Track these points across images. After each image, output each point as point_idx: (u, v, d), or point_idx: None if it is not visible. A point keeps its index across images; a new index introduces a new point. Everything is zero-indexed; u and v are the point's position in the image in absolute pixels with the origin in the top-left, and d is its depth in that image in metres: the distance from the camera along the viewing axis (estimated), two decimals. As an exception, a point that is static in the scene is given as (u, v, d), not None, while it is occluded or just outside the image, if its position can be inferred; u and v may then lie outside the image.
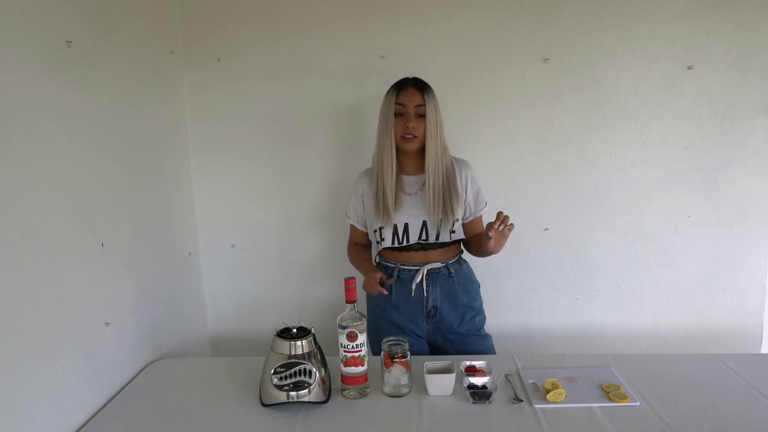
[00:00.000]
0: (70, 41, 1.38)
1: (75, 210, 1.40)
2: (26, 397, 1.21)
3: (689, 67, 2.03)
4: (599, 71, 2.05)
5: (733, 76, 2.03)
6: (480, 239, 1.67)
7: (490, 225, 1.52)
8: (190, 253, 2.15)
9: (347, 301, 1.45)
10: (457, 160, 1.76)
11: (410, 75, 1.72)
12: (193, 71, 2.09)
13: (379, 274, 1.72)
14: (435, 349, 1.78)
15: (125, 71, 1.66)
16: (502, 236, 1.56)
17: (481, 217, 1.79)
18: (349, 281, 1.45)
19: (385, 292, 1.69)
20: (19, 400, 1.19)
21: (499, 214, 1.51)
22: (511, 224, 1.53)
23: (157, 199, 1.88)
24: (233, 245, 2.24)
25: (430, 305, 1.73)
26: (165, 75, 1.96)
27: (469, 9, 2.02)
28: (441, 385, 1.45)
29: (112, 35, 1.60)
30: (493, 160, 2.12)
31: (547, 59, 2.04)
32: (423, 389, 1.47)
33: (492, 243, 1.55)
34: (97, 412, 1.44)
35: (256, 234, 2.23)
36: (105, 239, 1.52)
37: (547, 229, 2.18)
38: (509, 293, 2.22)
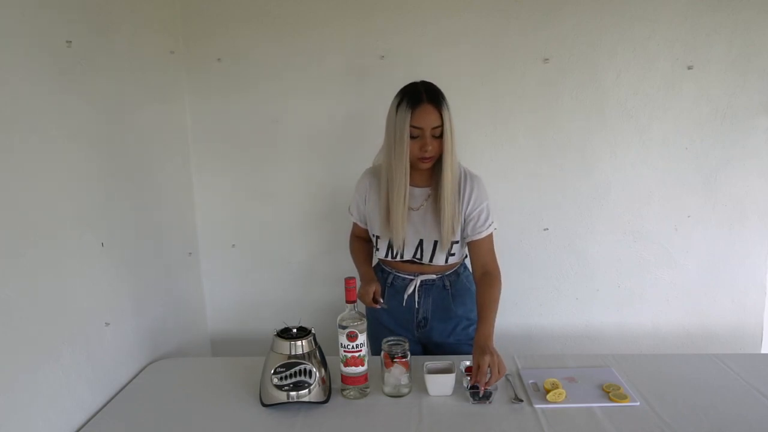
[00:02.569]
0: (70, 41, 1.38)
1: (75, 210, 1.40)
2: (26, 397, 1.21)
3: (689, 67, 2.03)
4: (599, 71, 2.05)
5: (733, 76, 2.03)
6: (481, 296, 1.56)
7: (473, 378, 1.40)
8: (190, 253, 2.15)
9: (347, 301, 1.45)
10: (468, 174, 1.61)
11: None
12: (193, 71, 2.09)
13: (374, 288, 1.64)
14: (428, 352, 1.77)
15: (125, 71, 1.66)
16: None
17: (486, 238, 1.61)
18: (349, 281, 1.45)
19: (377, 307, 1.65)
20: (19, 400, 1.19)
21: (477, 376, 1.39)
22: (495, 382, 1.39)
23: (157, 199, 1.88)
24: (233, 245, 2.24)
25: (420, 316, 1.71)
26: (165, 75, 1.96)
27: (469, 9, 2.02)
28: (441, 385, 1.45)
29: (112, 35, 1.60)
30: (493, 160, 2.12)
31: (547, 59, 2.04)
32: (423, 389, 1.47)
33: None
34: (97, 412, 1.44)
35: (256, 234, 2.23)
36: (105, 239, 1.52)
37: (547, 229, 2.18)
38: (509, 293, 2.20)
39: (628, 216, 2.16)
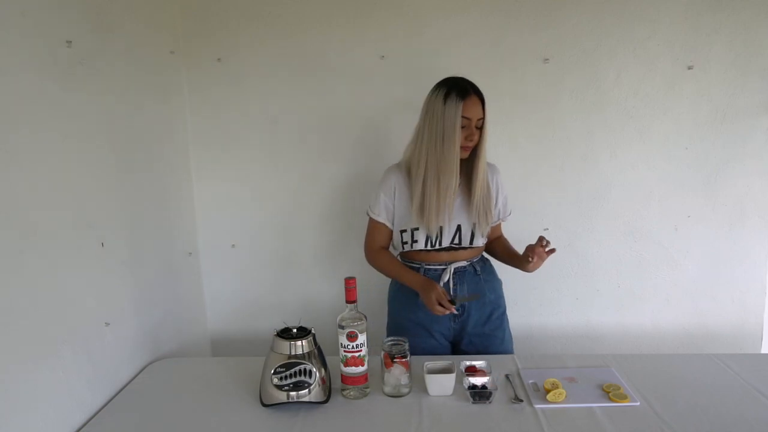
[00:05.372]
0: (70, 41, 1.38)
1: (75, 210, 1.40)
2: (26, 397, 1.21)
3: (689, 67, 2.03)
4: (599, 71, 2.05)
5: (733, 76, 2.03)
6: (504, 245, 1.80)
7: (532, 248, 1.57)
8: (190, 253, 2.15)
9: (347, 301, 1.45)
10: (489, 165, 1.73)
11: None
12: (193, 71, 2.09)
13: (438, 292, 1.57)
14: (458, 352, 1.76)
15: (125, 71, 1.66)
16: (541, 259, 1.59)
17: (500, 223, 1.83)
18: (349, 281, 1.45)
19: (455, 312, 1.61)
20: (19, 400, 1.19)
21: (541, 238, 1.57)
22: (552, 249, 1.58)
23: (157, 199, 1.88)
24: (233, 245, 2.24)
25: (457, 305, 1.67)
26: (165, 75, 1.96)
27: (469, 9, 2.02)
28: (441, 385, 1.45)
29: (112, 35, 1.60)
30: (493, 160, 2.11)
31: (547, 59, 2.04)
32: (423, 389, 1.47)
33: (531, 266, 1.60)
34: (97, 412, 1.44)
35: (256, 234, 2.23)
36: (105, 239, 1.52)
37: (547, 229, 2.18)
38: (509, 293, 2.20)
39: (628, 216, 2.16)
